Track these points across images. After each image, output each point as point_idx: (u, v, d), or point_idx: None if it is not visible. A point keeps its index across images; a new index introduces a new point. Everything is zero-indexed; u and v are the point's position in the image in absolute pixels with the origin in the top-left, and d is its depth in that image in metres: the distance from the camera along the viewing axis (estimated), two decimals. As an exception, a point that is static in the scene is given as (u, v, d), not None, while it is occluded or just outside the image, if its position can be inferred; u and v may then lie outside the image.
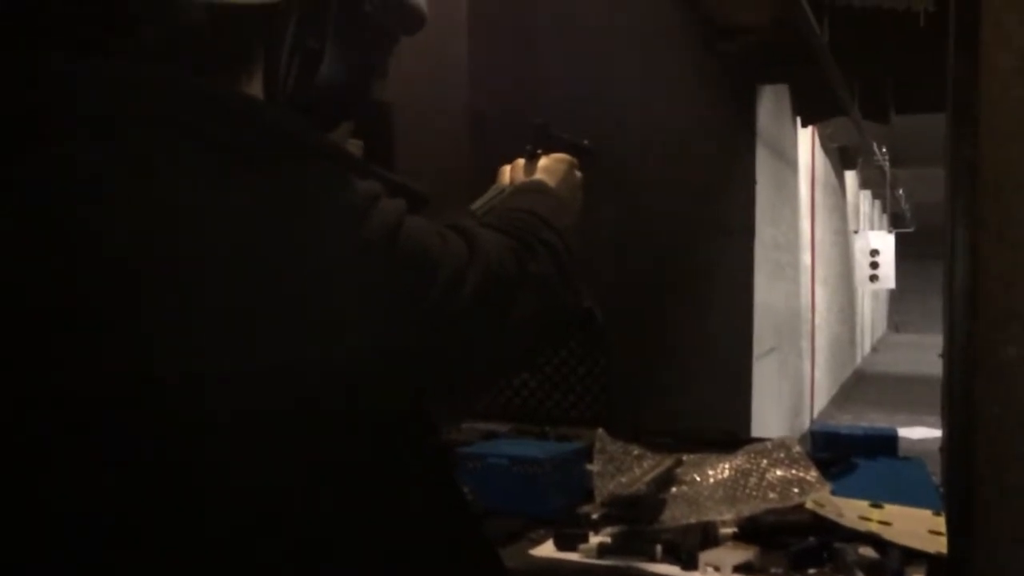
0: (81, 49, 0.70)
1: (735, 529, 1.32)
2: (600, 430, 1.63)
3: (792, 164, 7.64)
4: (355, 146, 1.85)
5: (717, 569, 1.20)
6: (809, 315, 8.77)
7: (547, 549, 1.30)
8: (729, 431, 2.21)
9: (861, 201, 14.11)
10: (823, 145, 9.36)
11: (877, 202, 15.88)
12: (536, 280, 0.81)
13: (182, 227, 0.64)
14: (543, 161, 1.09)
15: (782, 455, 1.53)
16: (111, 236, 0.64)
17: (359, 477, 0.71)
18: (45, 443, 0.66)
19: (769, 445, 1.57)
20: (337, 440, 0.69)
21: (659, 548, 1.23)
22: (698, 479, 1.50)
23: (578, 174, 1.11)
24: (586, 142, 1.17)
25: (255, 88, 0.74)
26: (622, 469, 1.57)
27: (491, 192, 1.12)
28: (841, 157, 10.84)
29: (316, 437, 0.68)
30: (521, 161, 1.12)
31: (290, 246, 0.65)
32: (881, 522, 1.33)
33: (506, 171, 1.14)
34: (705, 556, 1.22)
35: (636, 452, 1.62)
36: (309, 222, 0.66)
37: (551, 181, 1.06)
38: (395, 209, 0.71)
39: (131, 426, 0.65)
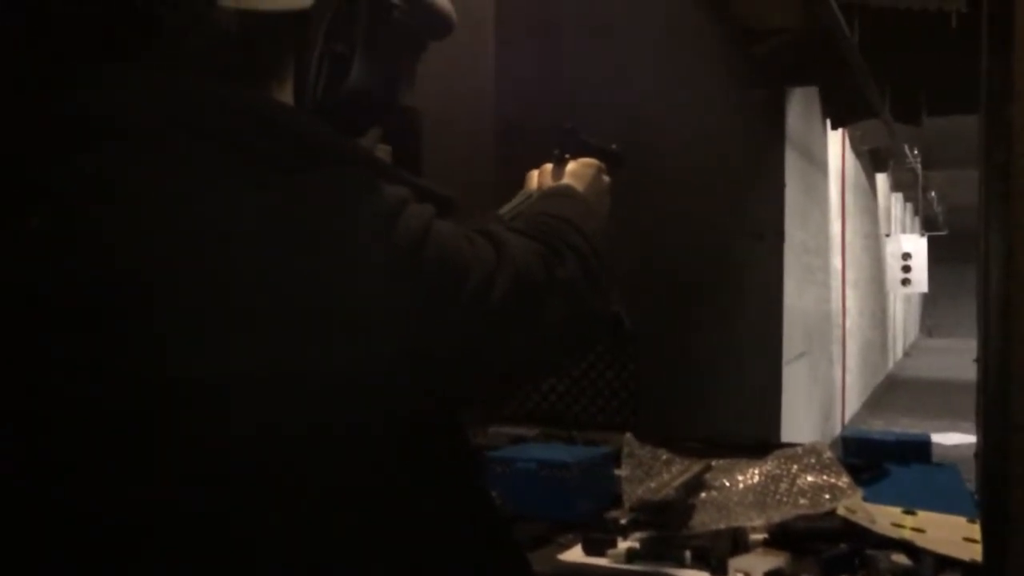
0: (115, 56, 0.71)
1: (765, 535, 1.31)
2: (628, 435, 1.62)
3: (822, 167, 7.57)
4: (384, 151, 1.86)
5: None
6: (840, 319, 8.68)
7: (575, 554, 1.30)
8: (759, 436, 2.19)
9: (892, 204, 13.94)
10: (854, 147, 9.27)
11: (909, 205, 15.68)
12: (564, 285, 0.81)
13: (217, 234, 0.65)
14: (571, 166, 1.09)
15: (813, 461, 1.52)
16: (146, 244, 0.65)
17: (387, 481, 0.72)
18: (77, 442, 0.67)
19: (800, 451, 1.56)
20: (365, 445, 0.69)
21: (688, 554, 1.23)
22: (728, 484, 1.49)
23: (606, 179, 1.11)
24: (614, 146, 1.17)
25: (286, 95, 0.75)
26: (651, 474, 1.56)
27: (519, 197, 1.12)
28: (872, 159, 10.72)
29: (345, 442, 0.68)
30: (549, 166, 1.12)
31: (321, 252, 0.66)
32: (914, 529, 1.31)
33: (534, 176, 1.14)
34: (735, 562, 1.21)
35: (665, 457, 1.61)
36: (339, 228, 0.67)
37: (579, 185, 1.06)
38: (423, 214, 0.71)
39: (166, 429, 0.65)
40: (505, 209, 1.11)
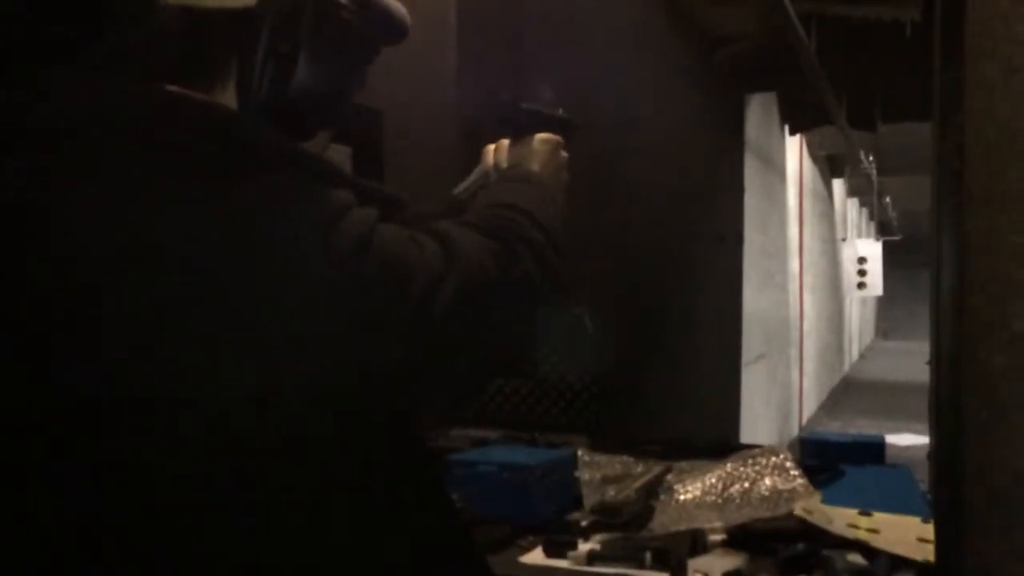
0: (52, 55, 0.69)
1: (724, 536, 1.32)
2: (581, 450, 1.62)
3: (780, 172, 7.68)
4: (342, 152, 1.85)
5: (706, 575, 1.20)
6: (798, 322, 8.80)
7: (536, 556, 1.30)
8: (718, 438, 2.21)
9: (849, 209, 14.17)
10: (811, 153, 9.41)
11: (864, 210, 15.96)
12: (518, 284, 0.79)
13: (143, 242, 0.63)
14: (528, 142, 1.06)
15: (771, 463, 1.54)
16: (77, 252, 0.63)
17: (338, 490, 0.70)
18: (16, 456, 0.65)
19: (758, 453, 1.58)
20: (313, 455, 0.68)
21: (648, 555, 1.24)
22: (687, 487, 1.50)
23: (564, 154, 1.07)
24: (561, 111, 1.12)
25: (228, 96, 0.73)
26: (611, 477, 1.57)
27: (475, 175, 1.08)
28: (829, 165, 10.90)
29: (290, 453, 0.67)
30: (505, 142, 1.08)
31: (257, 260, 0.64)
32: (869, 529, 1.33)
33: (490, 152, 1.10)
34: (694, 563, 1.22)
35: (623, 459, 1.62)
36: (276, 235, 0.65)
37: (535, 164, 1.03)
38: (366, 218, 0.70)
39: (96, 443, 0.64)
40: (461, 187, 1.08)
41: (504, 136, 1.09)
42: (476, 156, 1.12)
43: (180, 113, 0.67)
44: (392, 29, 0.86)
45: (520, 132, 1.07)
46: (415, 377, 0.73)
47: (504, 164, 1.06)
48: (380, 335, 0.68)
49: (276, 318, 0.64)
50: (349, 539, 0.71)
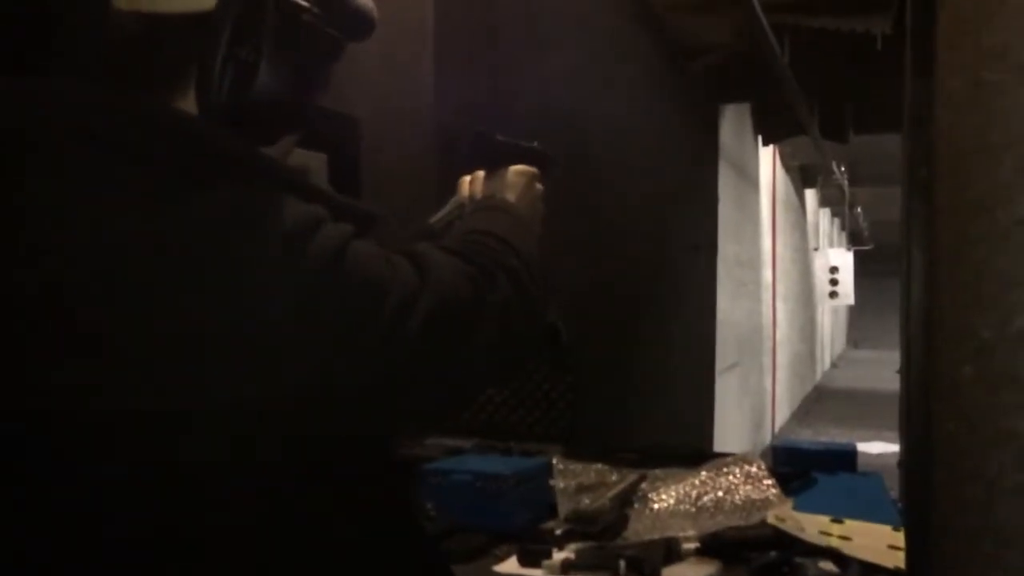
0: (12, 60, 0.68)
1: (697, 544, 1.33)
2: (555, 458, 1.63)
3: (754, 182, 7.74)
4: (318, 159, 1.84)
5: (680, 584, 1.20)
6: (770, 331, 8.87)
7: (511, 565, 1.30)
8: (692, 445, 2.22)
9: (821, 219, 14.32)
10: (784, 163, 9.50)
11: (836, 220, 16.13)
12: (495, 308, 0.79)
13: (110, 250, 0.62)
14: (503, 174, 1.06)
15: (744, 471, 1.55)
16: (35, 260, 0.62)
17: (304, 504, 0.70)
18: None
19: (731, 461, 1.59)
20: (280, 467, 0.67)
21: (622, 564, 1.24)
22: (662, 495, 1.51)
23: (539, 187, 1.08)
24: (536, 143, 1.13)
25: (188, 102, 0.72)
26: (585, 485, 1.57)
27: (450, 205, 1.09)
28: (801, 175, 11.01)
29: (257, 465, 0.66)
30: (481, 174, 1.09)
31: (223, 272, 0.63)
32: (841, 537, 1.34)
33: (466, 183, 1.10)
34: (668, 571, 1.23)
35: (597, 468, 1.62)
36: (245, 247, 0.64)
37: (511, 195, 1.03)
38: (339, 234, 0.69)
39: (65, 461, 0.63)
40: (436, 218, 1.08)
41: (480, 167, 1.09)
42: (453, 177, 1.12)
43: (144, 117, 0.66)
44: (359, 26, 0.84)
45: (495, 164, 1.07)
46: (385, 395, 0.72)
47: (480, 195, 1.07)
48: (351, 350, 0.67)
49: (241, 332, 0.63)
50: (309, 553, 0.70)
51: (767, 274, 8.63)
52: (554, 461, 1.62)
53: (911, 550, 0.73)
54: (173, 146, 0.66)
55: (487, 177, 1.08)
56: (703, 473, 1.55)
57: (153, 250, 0.62)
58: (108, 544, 0.65)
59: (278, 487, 0.68)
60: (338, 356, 0.67)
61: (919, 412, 0.68)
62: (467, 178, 1.11)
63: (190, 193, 0.64)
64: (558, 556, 1.29)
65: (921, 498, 0.64)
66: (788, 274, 10.20)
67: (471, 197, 1.08)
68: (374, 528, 0.77)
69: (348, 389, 0.68)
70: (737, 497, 1.49)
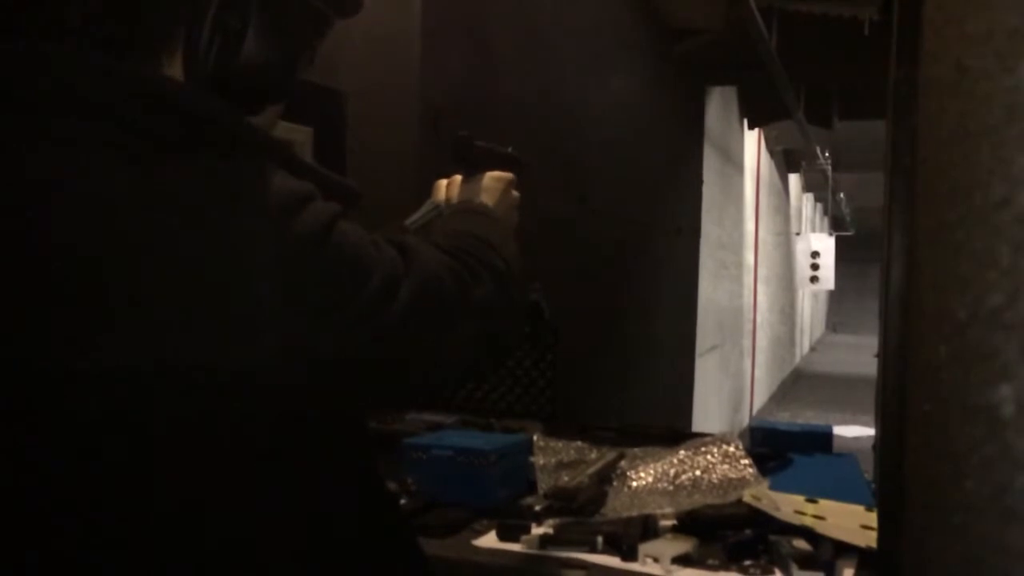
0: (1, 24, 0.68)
1: (675, 522, 1.34)
2: (536, 435, 1.64)
3: (738, 165, 7.77)
4: (304, 133, 1.83)
5: (656, 560, 1.22)
6: (751, 314, 8.93)
7: (490, 540, 1.31)
8: (672, 426, 2.25)
9: (804, 204, 14.39)
10: (768, 148, 9.53)
11: (819, 205, 16.22)
12: (477, 305, 0.80)
13: (98, 212, 0.63)
14: (480, 179, 1.07)
15: (722, 451, 1.57)
16: (17, 222, 0.63)
17: (274, 473, 0.70)
18: None
19: (709, 441, 1.60)
20: (251, 435, 0.68)
21: (600, 539, 1.25)
22: (640, 473, 1.53)
23: (515, 193, 1.09)
24: (511, 149, 1.14)
25: (175, 69, 0.72)
26: (565, 463, 1.58)
27: (425, 207, 1.09)
28: (786, 160, 11.05)
29: (228, 432, 0.67)
30: (458, 178, 1.09)
31: (211, 238, 0.64)
32: (815, 516, 1.36)
33: (442, 186, 1.11)
34: (645, 548, 1.24)
35: (577, 445, 1.64)
36: (233, 216, 0.65)
37: (489, 201, 1.04)
38: (327, 211, 0.70)
39: (40, 421, 0.64)
40: (412, 219, 1.08)
41: (457, 171, 1.09)
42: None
43: (134, 83, 0.67)
44: (346, 3, 0.85)
45: (473, 169, 1.08)
46: (362, 372, 0.72)
47: (456, 199, 1.07)
48: (330, 325, 0.68)
49: (222, 298, 0.64)
50: (277, 525, 0.71)
51: (749, 257, 8.67)
52: (535, 438, 1.64)
53: (883, 530, 0.74)
54: (161, 112, 0.66)
55: (464, 181, 1.08)
56: (681, 452, 1.57)
57: (139, 213, 0.63)
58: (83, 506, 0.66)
59: (247, 452, 0.68)
60: (317, 329, 0.67)
61: (895, 394, 0.69)
62: (443, 181, 1.12)
63: (178, 160, 0.65)
64: (537, 531, 1.30)
65: (894, 479, 0.65)
66: (770, 258, 10.26)
67: (447, 200, 1.08)
68: (345, 499, 0.78)
69: (324, 363, 0.68)
70: (714, 476, 1.51)
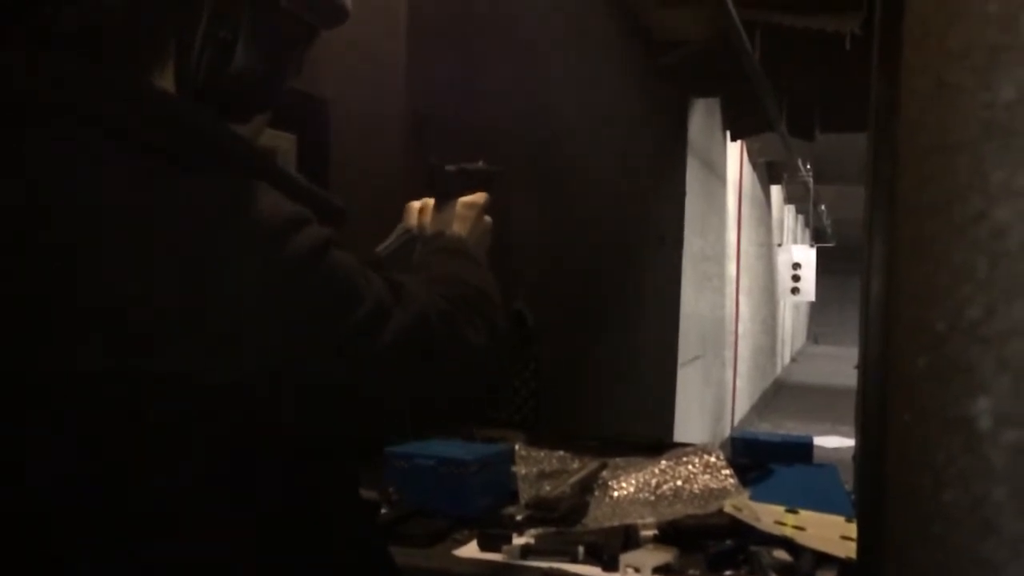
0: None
1: (656, 532, 1.35)
2: (518, 445, 1.64)
3: (721, 177, 7.81)
4: (287, 140, 1.83)
5: (637, 570, 1.22)
6: (733, 325, 8.97)
7: (471, 550, 1.30)
8: (654, 436, 2.25)
9: (785, 215, 14.49)
10: (751, 159, 9.59)
11: (800, 217, 16.33)
12: (470, 353, 0.81)
13: (95, 223, 0.63)
14: (452, 206, 1.06)
15: (703, 461, 1.57)
16: (19, 225, 0.63)
17: (254, 488, 0.70)
18: None
19: (691, 451, 1.61)
20: (233, 451, 0.68)
21: (581, 549, 1.25)
22: (622, 483, 1.53)
23: (487, 219, 1.09)
24: (481, 163, 1.13)
25: (167, 80, 0.73)
26: (547, 473, 1.58)
27: (397, 232, 1.08)
28: (768, 172, 11.12)
29: (209, 447, 0.66)
30: (431, 203, 1.09)
31: (201, 253, 0.64)
32: (796, 527, 1.37)
33: (414, 210, 1.11)
34: (626, 558, 1.24)
35: (559, 455, 1.64)
36: (224, 235, 0.65)
37: (463, 229, 1.04)
38: (320, 236, 0.71)
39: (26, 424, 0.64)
40: (384, 246, 1.07)
41: (429, 195, 1.09)
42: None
43: (149, 103, 0.68)
44: (332, 14, 0.86)
45: (444, 194, 1.07)
46: (342, 398, 0.72)
47: (430, 228, 1.07)
48: (314, 349, 0.68)
49: (207, 316, 0.64)
50: (254, 540, 0.70)
51: (731, 268, 8.71)
52: (516, 447, 1.63)
53: (862, 541, 0.75)
54: (163, 127, 0.67)
55: (437, 208, 1.08)
56: (663, 462, 1.57)
57: (135, 225, 0.64)
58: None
59: (221, 463, 0.68)
60: (300, 353, 0.68)
61: (875, 405, 0.70)
62: (416, 204, 1.11)
63: (178, 176, 0.66)
64: (518, 541, 1.30)
65: (874, 489, 0.66)
66: (752, 269, 10.31)
67: (420, 228, 1.08)
68: (322, 515, 0.77)
69: (302, 387, 0.69)
70: (696, 486, 1.52)
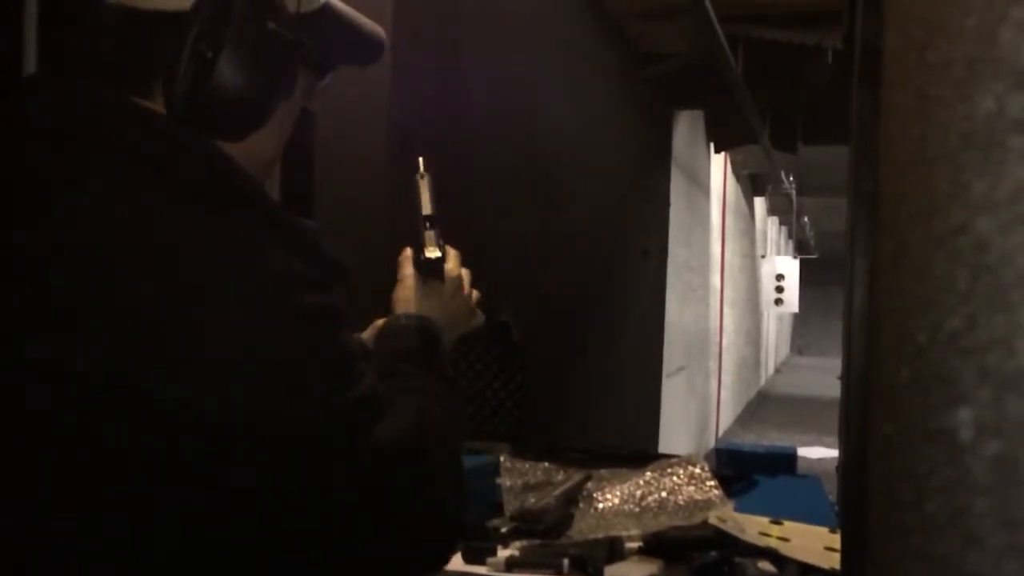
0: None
1: (640, 543, 1.34)
2: (503, 456, 1.64)
3: (705, 188, 7.85)
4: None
5: (622, 583, 1.22)
6: (717, 336, 9.00)
7: (456, 562, 1.30)
8: (639, 447, 2.25)
9: (769, 227, 14.58)
10: (734, 171, 9.65)
11: (784, 228, 16.43)
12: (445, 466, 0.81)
13: (111, 245, 0.66)
14: (435, 288, 1.04)
15: (688, 472, 1.57)
16: (31, 246, 0.66)
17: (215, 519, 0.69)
18: None
19: (675, 463, 1.61)
20: (199, 462, 0.67)
21: (566, 562, 1.25)
22: (607, 495, 1.52)
23: (464, 294, 1.06)
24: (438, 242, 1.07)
25: (159, 99, 0.74)
26: (532, 484, 1.58)
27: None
28: (751, 184, 11.19)
29: (180, 481, 0.66)
30: (410, 276, 1.04)
31: (207, 296, 0.66)
32: (780, 538, 1.37)
33: (407, 261, 1.06)
34: (611, 570, 1.24)
35: (544, 467, 1.63)
36: (235, 281, 0.67)
37: (438, 311, 1.01)
38: (333, 306, 0.72)
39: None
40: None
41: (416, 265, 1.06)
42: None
43: (185, 146, 0.72)
44: (362, 50, 0.87)
45: (427, 274, 1.04)
46: (305, 461, 0.69)
47: (400, 306, 1.03)
48: (305, 407, 0.68)
49: (208, 344, 0.65)
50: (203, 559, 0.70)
51: (715, 279, 8.75)
52: (501, 459, 1.63)
53: (846, 552, 0.75)
54: (201, 170, 0.71)
55: (418, 285, 1.04)
56: (648, 474, 1.57)
57: (151, 252, 0.66)
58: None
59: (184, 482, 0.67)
60: (292, 401, 0.68)
61: (858, 416, 0.70)
62: (408, 254, 1.06)
63: (202, 214, 0.68)
64: (503, 554, 1.29)
65: (857, 500, 0.66)
66: (736, 280, 10.36)
67: (401, 301, 1.03)
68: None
69: (278, 436, 0.68)
70: (680, 498, 1.52)
